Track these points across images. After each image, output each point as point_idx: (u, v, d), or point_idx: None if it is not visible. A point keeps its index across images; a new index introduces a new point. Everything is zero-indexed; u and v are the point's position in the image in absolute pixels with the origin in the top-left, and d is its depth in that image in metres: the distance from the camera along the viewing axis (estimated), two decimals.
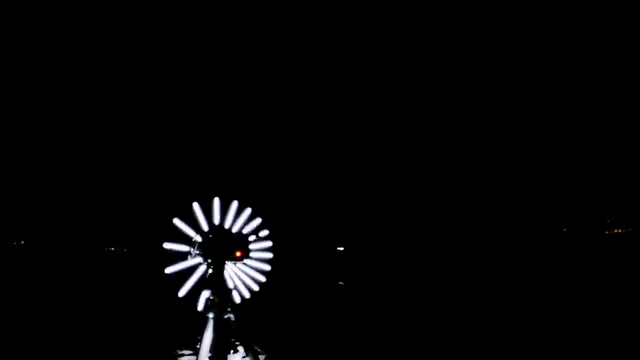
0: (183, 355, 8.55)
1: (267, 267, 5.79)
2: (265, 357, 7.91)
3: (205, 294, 5.06)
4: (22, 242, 63.16)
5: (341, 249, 61.53)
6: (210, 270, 5.22)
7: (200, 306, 5.26)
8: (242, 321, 4.96)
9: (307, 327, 12.03)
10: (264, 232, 5.78)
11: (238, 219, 5.65)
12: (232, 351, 7.22)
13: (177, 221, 5.80)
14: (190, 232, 5.72)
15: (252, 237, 5.73)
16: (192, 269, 5.56)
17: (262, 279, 5.74)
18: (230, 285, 5.44)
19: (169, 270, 5.70)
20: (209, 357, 4.80)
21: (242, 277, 5.75)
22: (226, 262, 5.37)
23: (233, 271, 5.70)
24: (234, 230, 5.55)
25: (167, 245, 5.86)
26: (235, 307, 5.08)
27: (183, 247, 5.80)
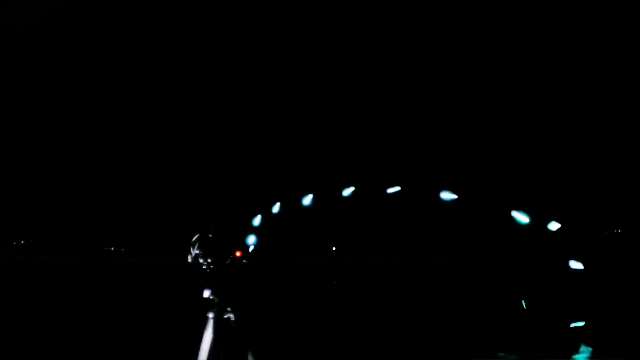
0: (183, 355, 8.56)
1: None
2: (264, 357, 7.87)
3: (206, 294, 5.05)
4: (22, 242, 63.18)
5: (334, 248, 61.80)
6: (210, 270, 5.20)
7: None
8: (241, 321, 4.95)
9: (303, 327, 12.06)
10: None
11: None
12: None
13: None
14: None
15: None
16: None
17: None
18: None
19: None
20: (209, 358, 4.79)
21: None
22: (226, 262, 5.33)
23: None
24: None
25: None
26: (235, 307, 5.06)
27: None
